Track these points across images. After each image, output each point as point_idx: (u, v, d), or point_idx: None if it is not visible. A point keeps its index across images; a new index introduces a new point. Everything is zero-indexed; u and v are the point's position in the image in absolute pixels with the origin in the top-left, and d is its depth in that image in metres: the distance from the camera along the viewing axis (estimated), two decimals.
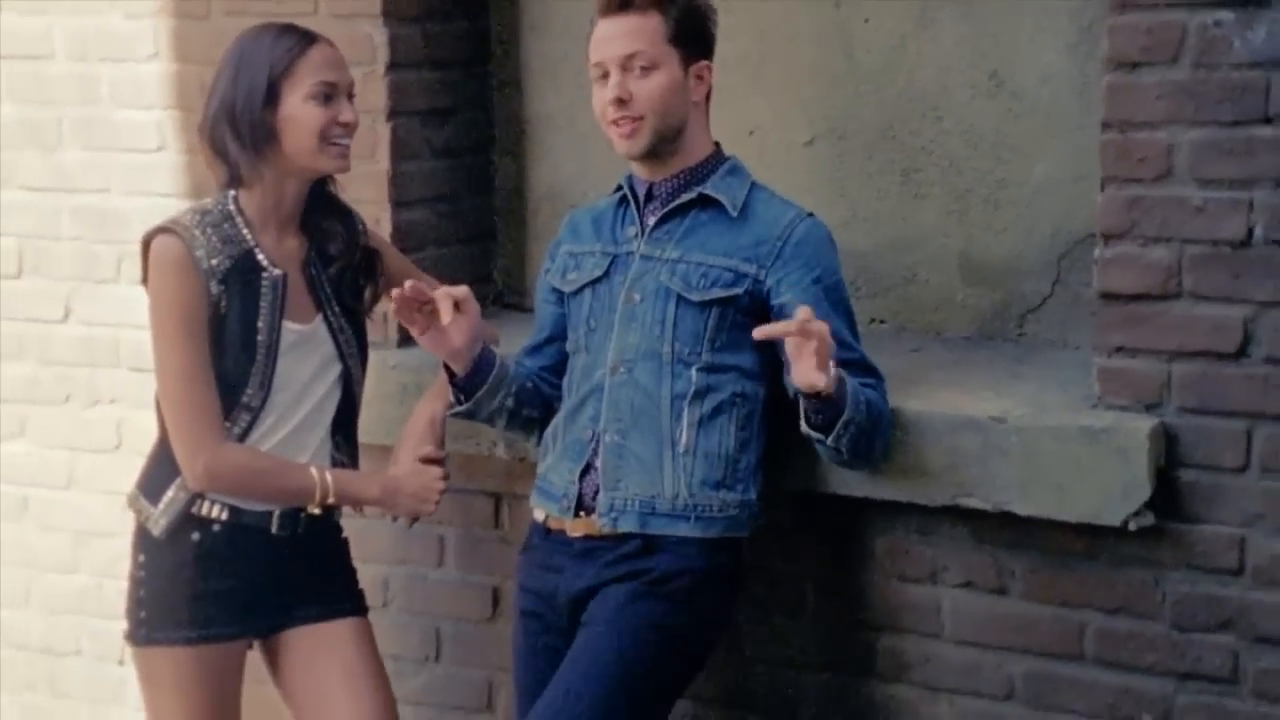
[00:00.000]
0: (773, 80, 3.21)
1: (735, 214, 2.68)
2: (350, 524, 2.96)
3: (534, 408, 2.84)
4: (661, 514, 2.62)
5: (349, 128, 2.71)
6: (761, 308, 2.64)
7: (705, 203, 2.69)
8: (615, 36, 2.63)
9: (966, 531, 2.76)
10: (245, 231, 2.71)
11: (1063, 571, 2.69)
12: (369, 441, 2.96)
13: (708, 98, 2.71)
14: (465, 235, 3.45)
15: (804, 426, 2.55)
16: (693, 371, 2.63)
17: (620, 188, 2.79)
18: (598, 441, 2.66)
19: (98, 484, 3.69)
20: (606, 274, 2.72)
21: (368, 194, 3.17)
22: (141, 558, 2.76)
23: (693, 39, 2.66)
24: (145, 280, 2.71)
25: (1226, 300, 2.52)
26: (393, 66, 3.22)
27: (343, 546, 2.93)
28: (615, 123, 2.63)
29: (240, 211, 2.72)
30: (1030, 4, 2.97)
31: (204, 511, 2.72)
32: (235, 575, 2.74)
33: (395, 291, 2.60)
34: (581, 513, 2.66)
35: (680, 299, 2.64)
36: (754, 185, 2.73)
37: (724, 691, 3.00)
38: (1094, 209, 2.68)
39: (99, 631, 3.73)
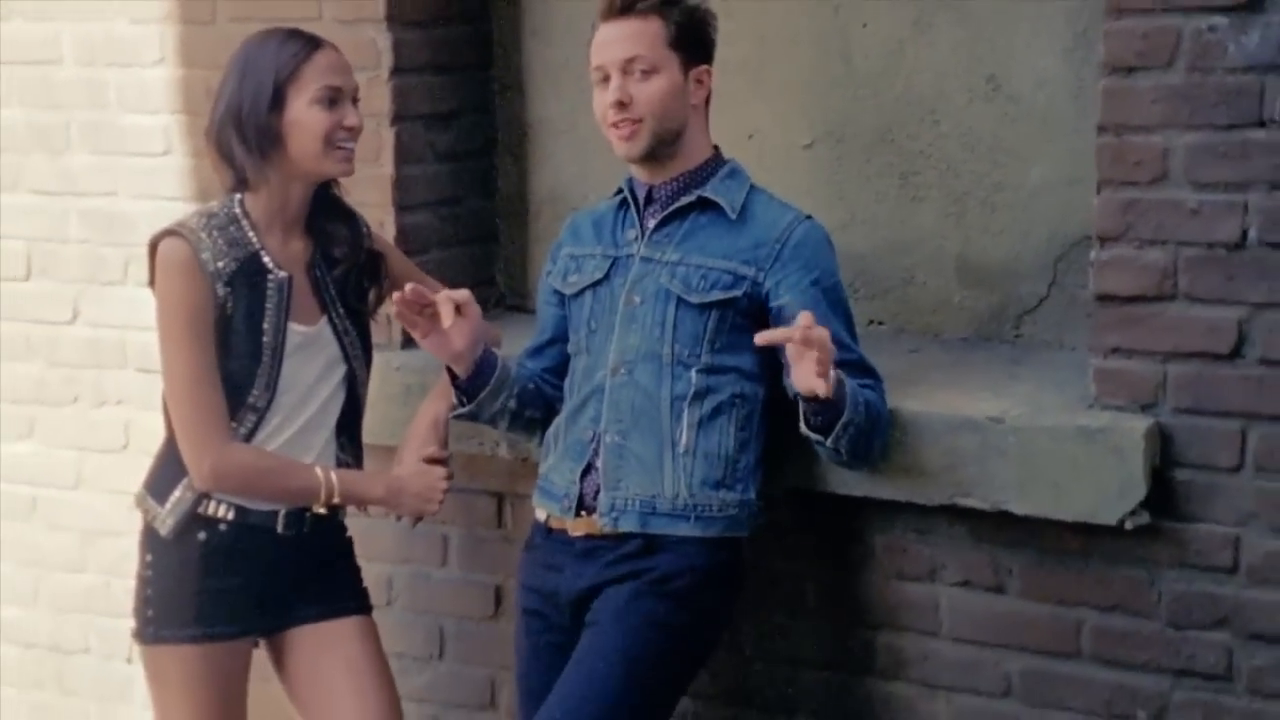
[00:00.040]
0: (772, 84, 3.20)
1: (734, 217, 2.67)
2: (354, 523, 2.96)
3: (536, 409, 2.84)
4: (662, 514, 2.61)
5: (354, 132, 2.71)
6: (760, 309, 2.64)
7: (704, 205, 2.69)
8: (616, 40, 2.62)
9: (964, 530, 2.75)
10: (251, 234, 2.71)
11: (1059, 570, 2.69)
12: (373, 442, 2.95)
13: (707, 102, 2.71)
14: (468, 238, 3.44)
15: (803, 428, 2.55)
16: (692, 373, 2.63)
17: (620, 191, 2.79)
18: (598, 442, 2.66)
19: (105, 484, 3.69)
20: (607, 276, 2.72)
21: (372, 197, 3.17)
22: (149, 557, 2.76)
23: (693, 44, 2.65)
24: (152, 283, 2.71)
25: (1221, 302, 2.51)
26: (396, 71, 3.22)
27: (347, 546, 2.93)
28: (615, 125, 2.63)
29: (246, 214, 2.72)
30: (1026, 9, 2.97)
31: (210, 511, 2.72)
32: (241, 574, 2.74)
33: (395, 295, 2.59)
34: (583, 512, 2.66)
35: (680, 301, 2.64)
36: (753, 188, 2.73)
37: (724, 689, 3.00)
38: (1089, 212, 2.68)
39: (107, 630, 3.73)
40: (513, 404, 2.79)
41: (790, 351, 2.43)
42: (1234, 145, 2.47)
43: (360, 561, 2.94)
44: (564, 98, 3.40)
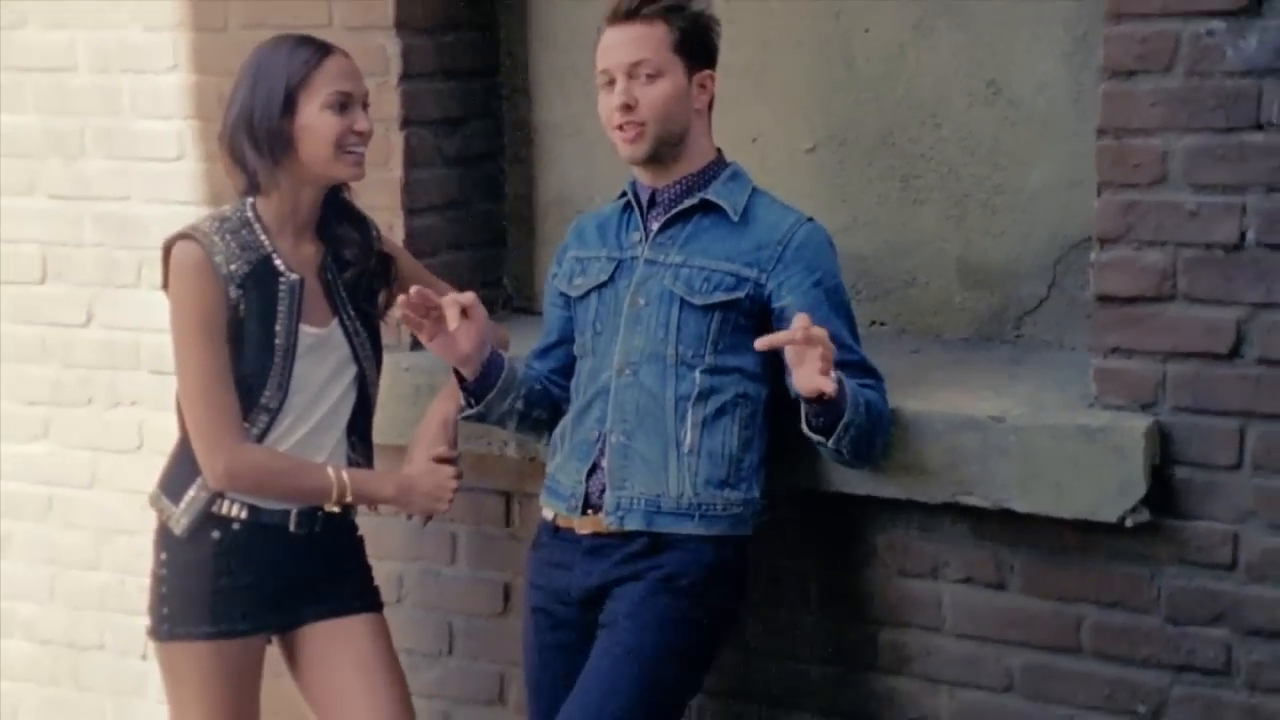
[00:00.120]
0: (775, 88, 3.20)
1: (737, 219, 2.66)
2: (365, 522, 2.95)
3: (543, 409, 2.83)
4: (667, 512, 2.60)
5: (364, 136, 2.71)
6: (763, 311, 2.63)
7: (707, 208, 2.68)
8: (622, 44, 2.62)
9: (966, 528, 2.74)
10: (263, 237, 2.70)
11: (1060, 567, 2.68)
12: (383, 442, 2.94)
13: (710, 106, 2.70)
14: (476, 241, 3.44)
15: (805, 429, 2.54)
16: (696, 373, 2.62)
17: (624, 194, 2.78)
18: (604, 442, 2.65)
19: (119, 483, 3.68)
20: (612, 279, 2.71)
21: (381, 200, 3.16)
22: (163, 555, 2.76)
23: (697, 48, 2.64)
24: (166, 285, 2.71)
25: (1220, 302, 2.51)
26: (405, 77, 3.21)
27: (358, 544, 2.92)
28: (620, 128, 2.62)
29: (258, 218, 2.71)
30: (1026, 14, 2.96)
31: (224, 510, 2.71)
32: (254, 572, 2.73)
33: (400, 298, 2.59)
34: (589, 511, 2.65)
35: (684, 303, 2.63)
36: (755, 190, 2.72)
37: (729, 683, 2.99)
38: (1089, 214, 2.67)
39: (121, 626, 3.73)
40: (520, 405, 2.78)
41: (791, 354, 2.42)
42: (1232, 148, 2.46)
43: (371, 559, 2.94)
44: (570, 102, 3.39)
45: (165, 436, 2.88)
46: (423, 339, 2.65)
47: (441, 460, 2.83)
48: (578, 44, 3.26)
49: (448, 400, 2.87)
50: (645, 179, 2.71)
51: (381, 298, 2.86)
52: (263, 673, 2.84)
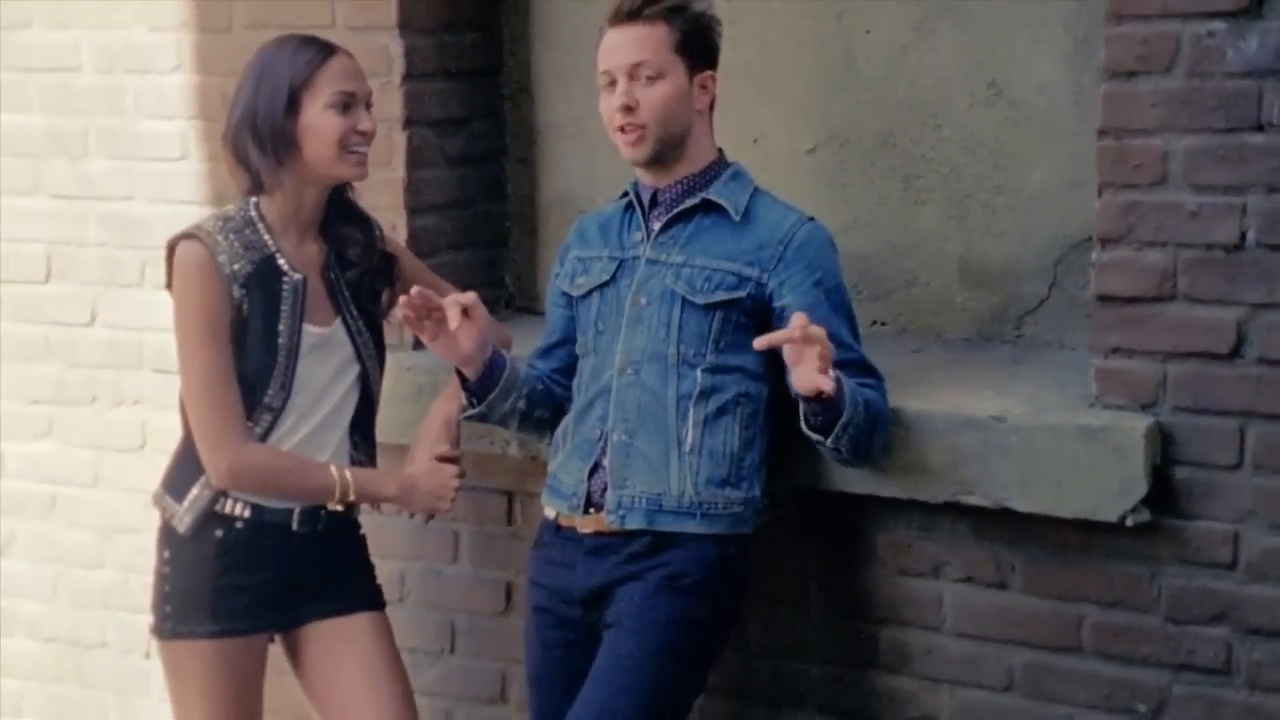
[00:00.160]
0: (777, 89, 3.19)
1: (738, 219, 2.66)
2: (368, 521, 2.94)
3: (545, 409, 2.82)
4: (668, 511, 2.60)
5: (367, 136, 2.70)
6: (764, 310, 2.63)
7: (709, 208, 2.68)
8: (623, 45, 2.61)
9: (967, 527, 2.74)
10: (266, 237, 2.70)
11: (1061, 566, 2.67)
12: (386, 441, 2.94)
13: (711, 106, 2.70)
14: (478, 241, 3.43)
15: (804, 428, 2.53)
16: (698, 372, 2.61)
17: (626, 194, 2.78)
18: (606, 441, 2.65)
19: (123, 482, 3.68)
20: (613, 278, 2.71)
21: (384, 200, 3.16)
22: (167, 554, 2.75)
23: (698, 49, 2.64)
24: (169, 285, 2.71)
25: (1220, 302, 2.50)
26: (408, 77, 3.21)
27: (361, 543, 2.91)
28: (621, 130, 2.62)
29: (262, 218, 2.71)
30: (1027, 15, 2.95)
31: (227, 509, 2.71)
32: (257, 571, 2.73)
33: (402, 298, 2.58)
34: (591, 510, 2.65)
35: (685, 302, 2.62)
36: (756, 190, 2.71)
37: (730, 682, 2.98)
38: (1089, 214, 2.67)
39: (125, 625, 3.72)
40: (522, 405, 2.78)
41: (789, 353, 2.41)
42: (1232, 149, 2.45)
43: (373, 558, 2.93)
44: (572, 103, 3.38)
45: (168, 435, 2.87)
46: (424, 339, 2.65)
47: (444, 459, 2.82)
48: (580, 44, 3.25)
49: (450, 400, 2.86)
50: (647, 179, 2.71)
51: (384, 297, 2.86)
52: (265, 671, 2.83)
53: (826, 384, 2.39)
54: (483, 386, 2.73)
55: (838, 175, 3.16)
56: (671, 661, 2.57)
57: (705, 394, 2.61)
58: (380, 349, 2.86)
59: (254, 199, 2.71)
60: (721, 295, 2.62)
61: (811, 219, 2.69)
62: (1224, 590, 2.56)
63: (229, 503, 2.70)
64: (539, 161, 3.47)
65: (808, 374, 2.39)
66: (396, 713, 2.81)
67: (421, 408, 2.97)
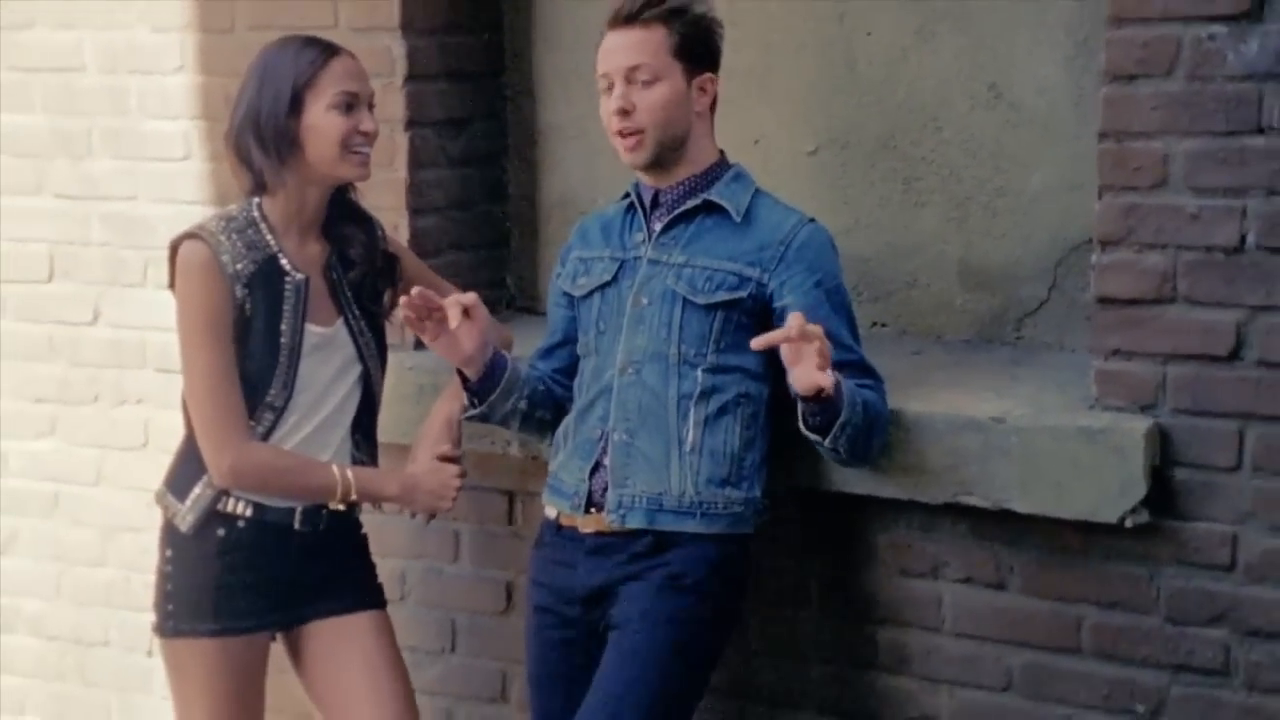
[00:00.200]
0: (778, 91, 3.18)
1: (739, 220, 2.65)
2: (369, 520, 2.94)
3: (546, 409, 2.81)
4: (668, 510, 2.59)
5: (369, 136, 2.70)
6: (765, 310, 2.62)
7: (710, 209, 2.67)
8: (620, 49, 2.61)
9: (967, 528, 2.73)
10: (269, 237, 2.69)
11: (1060, 567, 2.66)
12: (387, 440, 2.93)
13: (713, 108, 2.69)
14: (479, 241, 3.43)
15: (802, 428, 2.52)
16: (698, 372, 2.61)
17: (628, 195, 2.77)
18: (607, 440, 2.64)
19: (125, 480, 3.67)
20: (615, 278, 2.70)
21: (386, 201, 3.15)
22: (169, 553, 2.75)
23: (697, 52, 2.63)
24: (172, 285, 2.70)
25: (1220, 305, 2.49)
26: (410, 78, 3.20)
27: (362, 542, 2.91)
28: (620, 134, 2.61)
29: (264, 218, 2.70)
30: (1027, 18, 2.95)
31: (229, 508, 2.70)
32: (259, 570, 2.72)
33: (402, 299, 2.58)
34: (592, 510, 2.64)
35: (686, 302, 2.62)
36: (757, 192, 2.71)
37: (730, 681, 2.97)
38: (1089, 216, 2.66)
39: (127, 623, 3.72)
40: (523, 405, 2.77)
41: (787, 352, 2.40)
42: (1233, 151, 2.45)
43: (375, 557, 2.92)
44: (574, 104, 3.37)
45: (171, 434, 2.87)
46: (425, 339, 2.65)
47: (445, 459, 2.82)
48: (582, 46, 3.24)
49: (451, 400, 2.85)
50: (648, 180, 2.70)
51: (386, 297, 2.85)
52: (267, 669, 2.82)
53: (825, 381, 2.38)
54: (484, 387, 2.72)
55: (838, 177, 3.15)
56: (678, 659, 2.56)
57: (706, 394, 2.60)
58: (382, 349, 2.85)
59: (257, 199, 2.71)
60: (723, 295, 2.61)
61: (812, 220, 2.68)
62: (1223, 591, 2.55)
63: (231, 502, 2.70)
64: (540, 162, 3.47)
65: (806, 372, 2.39)
66: (398, 711, 2.80)
67: (423, 407, 2.96)
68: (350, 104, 2.67)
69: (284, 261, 2.69)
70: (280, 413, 2.69)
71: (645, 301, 2.65)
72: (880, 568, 2.82)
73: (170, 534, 2.75)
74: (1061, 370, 2.83)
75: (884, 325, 3.16)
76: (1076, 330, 2.93)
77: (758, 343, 2.40)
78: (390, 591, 2.99)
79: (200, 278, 2.63)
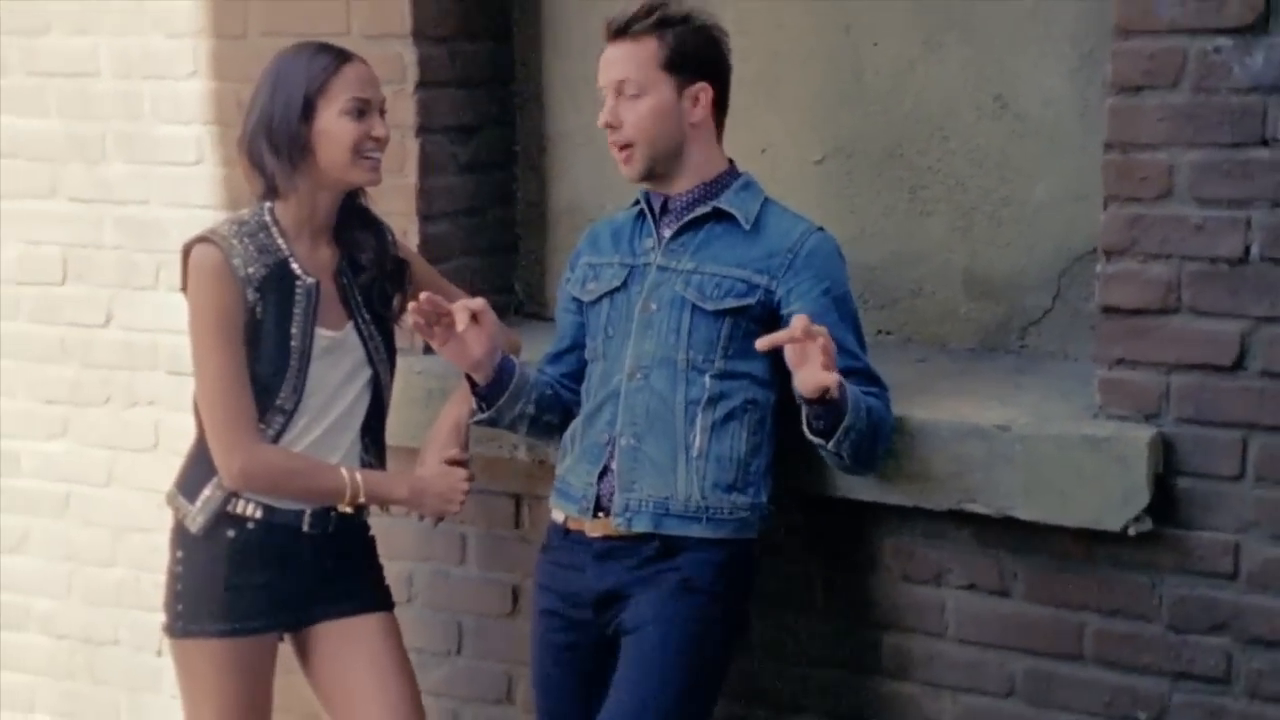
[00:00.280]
0: (785, 100, 3.17)
1: (748, 227, 2.64)
2: (377, 522, 2.92)
3: (554, 414, 2.80)
4: (675, 515, 2.58)
5: (381, 142, 2.69)
6: (773, 317, 2.61)
7: (719, 216, 2.66)
8: (611, 62, 2.62)
9: (970, 535, 2.72)
10: (280, 241, 2.68)
11: (1063, 574, 2.65)
12: (396, 444, 2.92)
13: (718, 117, 2.67)
14: (488, 247, 3.42)
15: (806, 432, 2.51)
16: (706, 378, 2.60)
17: (638, 201, 2.76)
18: (614, 445, 2.63)
19: (136, 481, 3.66)
20: (624, 284, 2.69)
21: (397, 206, 3.14)
22: (179, 553, 2.74)
23: (689, 63, 2.61)
24: (184, 288, 2.69)
25: (1224, 315, 2.48)
26: (421, 85, 3.19)
27: (370, 544, 2.89)
28: (615, 147, 2.62)
29: (276, 222, 2.69)
30: (1033, 31, 2.94)
31: (239, 510, 2.69)
32: (268, 571, 2.71)
33: (411, 304, 2.57)
34: (600, 514, 2.63)
35: (695, 308, 2.61)
36: (766, 200, 2.70)
37: (734, 686, 2.94)
38: (1093, 227, 2.65)
39: (137, 622, 3.71)
40: (531, 409, 2.76)
41: (792, 354, 2.39)
42: (1237, 163, 2.44)
43: (382, 559, 2.91)
44: (582, 112, 3.36)
45: (181, 436, 2.86)
46: (434, 345, 2.64)
47: (453, 463, 2.81)
48: (590, 54, 3.21)
49: (459, 404, 2.85)
50: (656, 188, 2.69)
51: (396, 302, 2.84)
52: (275, 670, 2.81)
53: (830, 380, 2.37)
54: (492, 391, 2.71)
55: (845, 186, 3.14)
56: (695, 661, 2.56)
57: (713, 400, 2.59)
58: (391, 353, 2.84)
59: (268, 203, 2.70)
60: (731, 302, 2.60)
61: (821, 228, 2.67)
62: (1225, 600, 2.54)
63: (241, 503, 2.69)
64: (549, 169, 3.46)
65: (812, 373, 2.37)
66: (405, 712, 2.79)
67: (432, 411, 2.95)
68: (362, 110, 2.66)
69: (295, 265, 2.68)
70: (290, 415, 2.69)
71: (654, 307, 2.64)
72: (884, 573, 2.81)
73: (180, 535, 2.74)
74: (1065, 379, 2.82)
75: (889, 333, 3.15)
76: (1080, 339, 2.92)
77: (762, 343, 2.39)
78: (397, 593, 2.98)
79: (212, 281, 2.62)
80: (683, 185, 2.66)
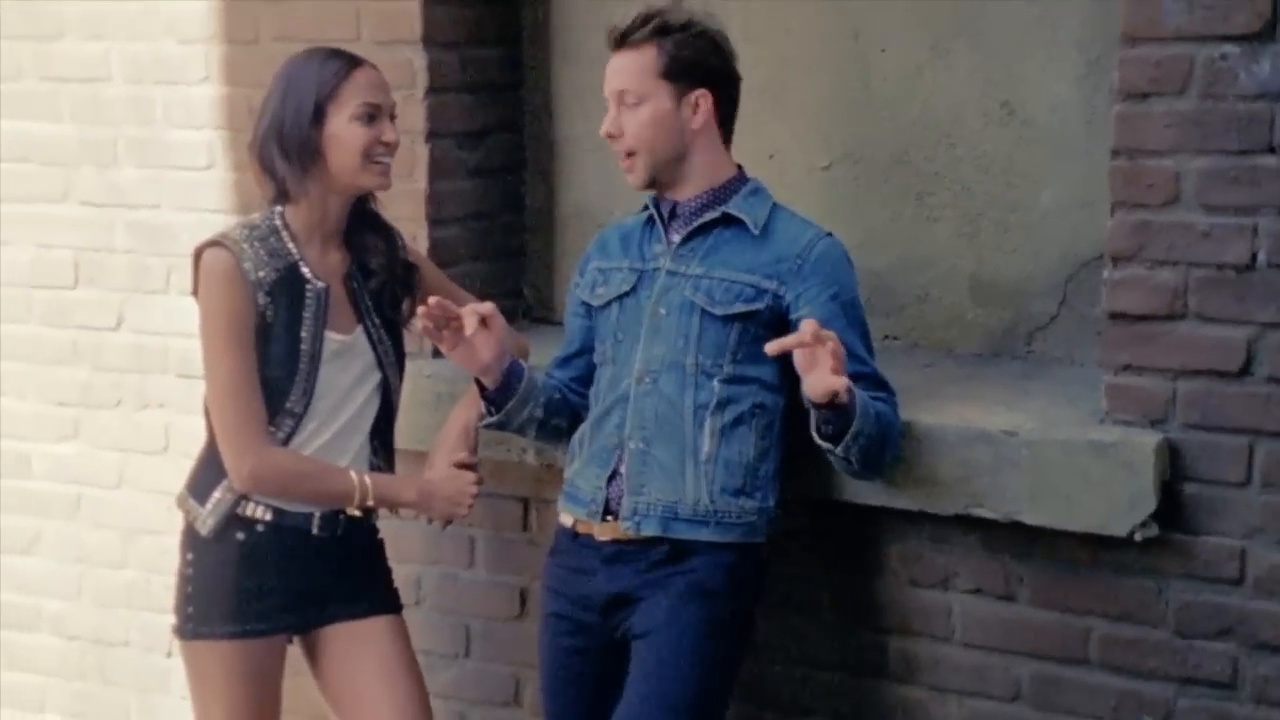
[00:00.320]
0: (793, 107, 3.17)
1: (757, 232, 2.64)
2: (385, 525, 2.92)
3: (563, 418, 2.80)
4: (683, 519, 2.57)
5: (391, 147, 2.69)
6: (781, 322, 2.60)
7: (728, 221, 2.66)
8: (613, 72, 2.63)
9: (977, 540, 2.71)
10: (291, 245, 2.68)
11: (1069, 579, 2.64)
12: (405, 447, 2.92)
13: (725, 123, 2.66)
14: (497, 251, 3.42)
15: (814, 436, 2.50)
16: (715, 383, 2.59)
17: (647, 206, 2.76)
18: (623, 448, 2.62)
19: (146, 484, 3.66)
20: (634, 289, 2.69)
21: (406, 211, 3.14)
22: (190, 556, 2.73)
23: (689, 70, 2.60)
24: (195, 291, 2.69)
25: (1230, 321, 2.47)
26: (431, 90, 3.19)
27: (379, 547, 2.89)
28: (619, 155, 2.62)
29: (286, 226, 2.69)
30: (1040, 37, 2.93)
31: (249, 512, 2.69)
32: (278, 574, 2.71)
33: (420, 308, 2.57)
34: (609, 518, 2.62)
35: (704, 313, 2.60)
36: (775, 206, 2.69)
37: (741, 689, 2.93)
38: (1100, 233, 2.65)
39: (147, 624, 3.70)
40: (539, 413, 2.76)
41: (801, 358, 2.39)
42: (1244, 170, 2.43)
43: (391, 562, 2.91)
44: (591, 118, 3.35)
45: (192, 439, 2.86)
46: (443, 349, 2.64)
47: (462, 466, 2.80)
48: (598, 62, 3.18)
49: (468, 407, 2.84)
50: (665, 194, 2.68)
51: (405, 306, 2.84)
52: (284, 672, 2.81)
53: (840, 384, 2.36)
54: (501, 395, 2.71)
55: (852, 192, 3.13)
56: (709, 662, 2.55)
57: (722, 404, 2.59)
58: (400, 357, 2.84)
59: (279, 208, 2.70)
60: (740, 307, 2.59)
61: (829, 234, 2.67)
62: (1231, 605, 2.53)
63: (251, 506, 2.68)
64: (558, 175, 3.46)
65: (821, 377, 2.37)
66: (413, 715, 2.78)
67: (440, 415, 2.94)
68: (372, 115, 2.66)
69: (305, 269, 2.68)
70: (300, 419, 2.68)
71: (663, 312, 2.63)
72: (891, 578, 2.80)
73: (191, 537, 2.74)
74: (1072, 385, 2.81)
75: (896, 338, 3.14)
76: (1086, 345, 2.91)
77: (772, 347, 2.39)
78: (406, 596, 2.97)
79: (223, 284, 2.62)
80: (689, 191, 2.66)
